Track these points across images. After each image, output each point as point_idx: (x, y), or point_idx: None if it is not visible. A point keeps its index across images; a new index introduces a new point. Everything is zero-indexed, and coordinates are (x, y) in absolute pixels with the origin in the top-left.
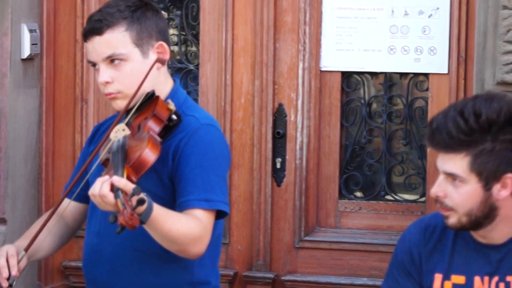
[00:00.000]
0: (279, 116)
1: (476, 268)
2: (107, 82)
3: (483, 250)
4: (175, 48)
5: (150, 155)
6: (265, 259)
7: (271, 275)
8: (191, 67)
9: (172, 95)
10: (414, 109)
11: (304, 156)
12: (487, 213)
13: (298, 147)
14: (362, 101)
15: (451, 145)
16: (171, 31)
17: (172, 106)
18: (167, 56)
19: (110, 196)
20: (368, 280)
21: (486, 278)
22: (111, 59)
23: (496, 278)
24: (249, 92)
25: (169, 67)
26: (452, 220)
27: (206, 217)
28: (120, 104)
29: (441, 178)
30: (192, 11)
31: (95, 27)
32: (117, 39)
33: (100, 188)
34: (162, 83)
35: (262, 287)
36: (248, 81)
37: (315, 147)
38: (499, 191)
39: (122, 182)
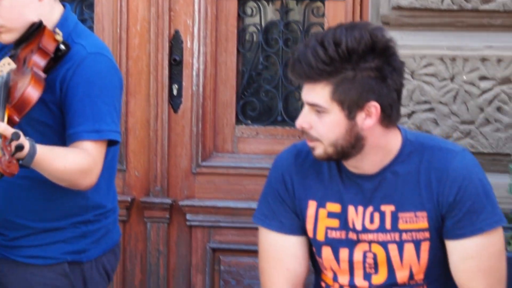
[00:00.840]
0: (176, 43)
1: (350, 197)
2: None
3: (356, 180)
4: None
5: (32, 93)
6: (162, 185)
7: (168, 201)
8: None
9: (62, 22)
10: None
11: (201, 82)
12: (353, 143)
13: (194, 73)
14: (259, 27)
15: (311, 75)
16: None
17: (59, 36)
18: None
19: None
20: None
21: (360, 208)
22: None
23: (370, 208)
24: (145, 19)
25: None
26: (318, 150)
27: (95, 149)
28: (5, 38)
29: (305, 109)
30: None
31: None
32: None
33: None
34: (48, 13)
35: (159, 213)
36: (144, 8)
37: (211, 74)
38: (364, 120)
39: (1, 126)
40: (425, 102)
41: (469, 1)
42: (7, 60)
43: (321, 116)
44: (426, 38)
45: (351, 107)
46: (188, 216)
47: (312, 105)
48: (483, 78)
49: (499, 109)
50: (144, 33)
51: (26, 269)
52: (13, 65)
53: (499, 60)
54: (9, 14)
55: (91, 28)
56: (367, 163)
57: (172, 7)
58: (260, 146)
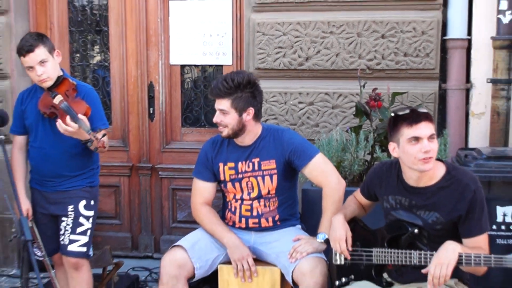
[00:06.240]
0: (151, 87)
1: (239, 157)
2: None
3: (242, 149)
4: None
5: (83, 106)
6: (146, 157)
7: (149, 165)
8: (106, 64)
9: (65, 74)
10: None
11: (164, 106)
12: (241, 128)
13: (160, 102)
14: (191, 79)
15: (220, 94)
16: (96, 47)
17: (73, 81)
18: (60, 57)
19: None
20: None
21: (243, 162)
22: (42, 62)
23: (248, 161)
24: (135, 76)
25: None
26: (225, 132)
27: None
28: (47, 84)
29: (218, 113)
30: (104, 36)
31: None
32: (42, 52)
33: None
34: (58, 70)
35: (145, 171)
36: (134, 70)
37: (168, 102)
38: (246, 117)
39: (88, 124)
40: (272, 115)
41: (302, 61)
42: (59, 97)
43: (226, 115)
44: (272, 83)
45: (240, 111)
46: (160, 173)
47: (221, 110)
48: (300, 102)
49: (308, 118)
50: (135, 82)
51: (69, 192)
52: (61, 97)
53: (307, 94)
54: (52, 70)
55: (108, 81)
56: (246, 139)
57: (148, 70)
58: (193, 137)
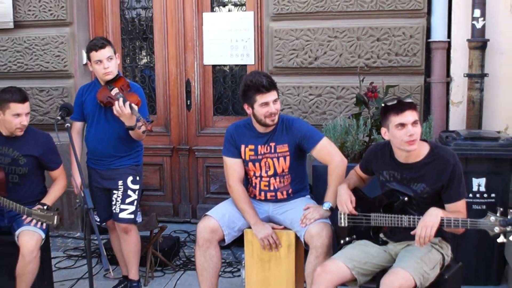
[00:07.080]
0: (188, 84)
1: (259, 141)
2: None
3: (261, 135)
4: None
5: (135, 98)
6: (185, 140)
7: (187, 147)
8: (151, 65)
9: (120, 75)
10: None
11: (199, 99)
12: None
13: (196, 95)
14: (221, 75)
15: (272, 87)
16: (143, 52)
17: (127, 80)
18: (119, 60)
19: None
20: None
21: (262, 145)
22: (109, 58)
23: (266, 145)
24: (175, 74)
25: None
26: (276, 119)
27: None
28: (109, 78)
29: (272, 104)
30: (150, 42)
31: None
32: (110, 50)
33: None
34: (117, 69)
35: (184, 152)
36: (174, 70)
37: (202, 95)
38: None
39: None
40: (288, 105)
41: (312, 61)
42: (116, 89)
43: (276, 103)
44: (287, 79)
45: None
46: (196, 153)
47: (275, 100)
48: (310, 94)
49: (317, 107)
50: (176, 79)
51: (118, 170)
52: (117, 90)
53: (316, 87)
54: (114, 66)
55: (154, 80)
56: (269, 127)
57: (186, 69)
58: (223, 124)
